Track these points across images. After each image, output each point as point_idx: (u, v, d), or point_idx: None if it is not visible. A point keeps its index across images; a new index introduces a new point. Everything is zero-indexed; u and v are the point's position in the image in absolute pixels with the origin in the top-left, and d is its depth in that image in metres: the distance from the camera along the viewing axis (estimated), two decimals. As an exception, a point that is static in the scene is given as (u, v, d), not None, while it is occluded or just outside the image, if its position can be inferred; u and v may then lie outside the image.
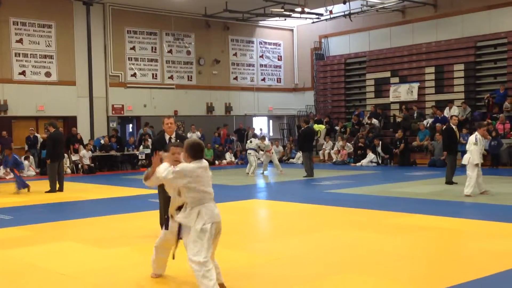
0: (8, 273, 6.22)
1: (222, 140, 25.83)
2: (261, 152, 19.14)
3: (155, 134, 22.77)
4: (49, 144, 15.03)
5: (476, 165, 11.49)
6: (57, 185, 14.64)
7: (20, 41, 21.56)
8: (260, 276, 5.86)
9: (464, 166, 12.28)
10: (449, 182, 14.01)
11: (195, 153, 5.08)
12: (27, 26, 21.75)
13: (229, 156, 25.22)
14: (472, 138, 11.74)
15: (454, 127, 14.17)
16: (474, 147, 11.55)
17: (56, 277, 5.99)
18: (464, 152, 19.90)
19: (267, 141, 19.31)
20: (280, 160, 25.16)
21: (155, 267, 5.71)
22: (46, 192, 14.38)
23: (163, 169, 5.04)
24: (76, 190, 15.17)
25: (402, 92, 24.69)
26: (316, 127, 24.60)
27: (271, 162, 19.30)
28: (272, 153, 19.22)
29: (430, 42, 24.39)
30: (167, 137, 7.87)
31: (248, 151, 19.12)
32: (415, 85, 24.33)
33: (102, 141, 22.54)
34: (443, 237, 7.69)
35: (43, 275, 6.12)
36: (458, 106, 22.22)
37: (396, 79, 25.08)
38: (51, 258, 6.92)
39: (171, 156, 5.28)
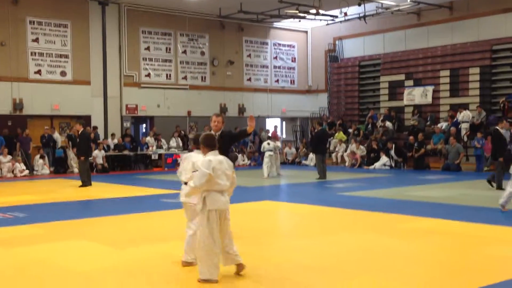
0: (19, 270, 6.26)
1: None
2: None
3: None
4: (82, 142, 15.99)
5: None
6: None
7: (36, 40, 21.73)
8: (271, 278, 5.84)
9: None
10: (499, 187, 13.27)
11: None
12: (43, 25, 21.91)
13: (241, 158, 25.09)
14: None
15: (502, 130, 13.72)
16: None
17: (68, 275, 6.02)
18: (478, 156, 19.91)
19: (279, 142, 19.39)
20: (293, 162, 25.25)
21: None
22: (79, 186, 15.65)
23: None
24: (90, 189, 15.25)
25: (417, 95, 24.54)
26: (340, 136, 24.63)
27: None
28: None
29: (445, 45, 24.22)
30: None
31: (267, 153, 18.80)
32: (430, 88, 24.18)
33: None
34: (457, 242, 7.63)
35: (55, 272, 6.14)
36: (472, 110, 22.07)
37: (411, 82, 24.95)
38: (63, 256, 6.95)
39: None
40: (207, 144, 5.77)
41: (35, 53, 21.72)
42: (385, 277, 5.77)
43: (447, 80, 23.79)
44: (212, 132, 7.75)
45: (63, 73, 22.32)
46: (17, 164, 19.93)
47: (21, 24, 21.39)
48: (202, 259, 5.53)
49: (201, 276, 5.52)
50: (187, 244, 6.18)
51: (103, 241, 7.87)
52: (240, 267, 5.78)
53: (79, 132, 16.11)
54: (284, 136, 29.15)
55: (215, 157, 5.67)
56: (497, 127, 13.85)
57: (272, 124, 28.60)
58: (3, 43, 20.95)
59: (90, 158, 18.41)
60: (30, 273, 6.16)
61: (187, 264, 6.18)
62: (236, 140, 7.58)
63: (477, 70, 22.83)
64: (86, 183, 15.64)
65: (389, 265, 6.33)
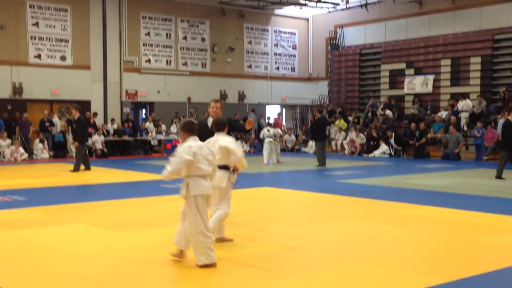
0: (18, 253, 6.27)
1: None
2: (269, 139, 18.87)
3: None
4: (78, 128, 15.86)
5: None
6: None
7: (36, 24, 21.65)
8: (270, 263, 5.86)
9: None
10: (498, 176, 13.53)
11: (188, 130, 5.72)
12: (43, 9, 21.82)
13: (240, 145, 25.06)
14: None
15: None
16: None
17: (67, 258, 6.03)
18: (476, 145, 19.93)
19: (280, 130, 19.40)
20: (292, 149, 25.26)
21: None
22: (71, 171, 15.51)
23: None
24: (89, 174, 15.26)
25: (417, 84, 24.50)
26: (341, 124, 24.58)
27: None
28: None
29: (447, 34, 24.14)
30: (210, 120, 7.67)
31: (267, 139, 18.79)
32: (431, 77, 24.13)
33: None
34: (454, 230, 7.65)
35: (54, 255, 6.16)
36: (473, 99, 22.05)
37: (411, 71, 24.89)
38: (62, 239, 6.97)
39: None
40: (187, 130, 5.74)
41: (35, 37, 21.65)
42: (383, 264, 5.79)
43: (448, 69, 23.74)
44: (211, 118, 7.72)
45: (63, 58, 22.26)
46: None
47: (21, 8, 21.30)
48: (198, 246, 5.54)
49: (199, 263, 5.54)
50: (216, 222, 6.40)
51: (102, 224, 7.89)
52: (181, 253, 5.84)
53: (76, 118, 16.05)
54: (284, 123, 29.13)
55: (195, 143, 5.66)
56: (509, 118, 13.77)
57: (273, 111, 28.64)
58: (2, 27, 20.88)
59: (88, 144, 18.43)
60: (29, 255, 6.18)
61: (221, 240, 6.60)
62: (233, 130, 7.60)
63: (478, 59, 22.77)
64: (77, 168, 15.50)
65: (387, 251, 6.36)
